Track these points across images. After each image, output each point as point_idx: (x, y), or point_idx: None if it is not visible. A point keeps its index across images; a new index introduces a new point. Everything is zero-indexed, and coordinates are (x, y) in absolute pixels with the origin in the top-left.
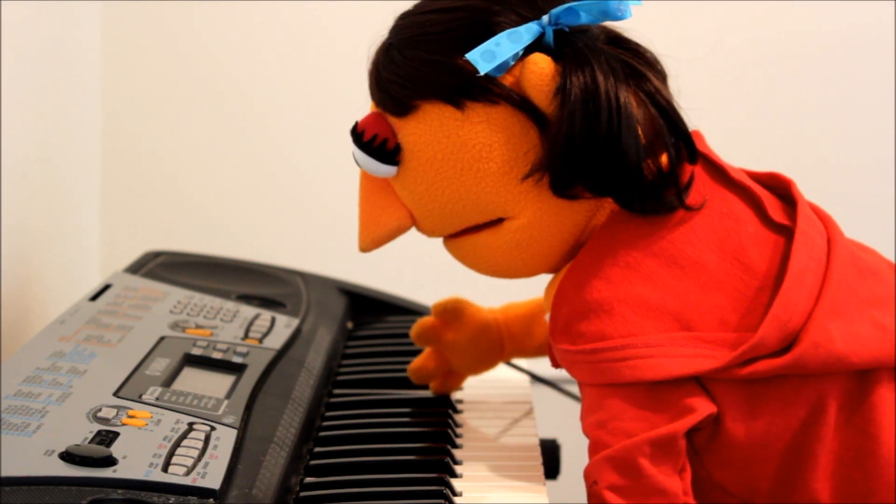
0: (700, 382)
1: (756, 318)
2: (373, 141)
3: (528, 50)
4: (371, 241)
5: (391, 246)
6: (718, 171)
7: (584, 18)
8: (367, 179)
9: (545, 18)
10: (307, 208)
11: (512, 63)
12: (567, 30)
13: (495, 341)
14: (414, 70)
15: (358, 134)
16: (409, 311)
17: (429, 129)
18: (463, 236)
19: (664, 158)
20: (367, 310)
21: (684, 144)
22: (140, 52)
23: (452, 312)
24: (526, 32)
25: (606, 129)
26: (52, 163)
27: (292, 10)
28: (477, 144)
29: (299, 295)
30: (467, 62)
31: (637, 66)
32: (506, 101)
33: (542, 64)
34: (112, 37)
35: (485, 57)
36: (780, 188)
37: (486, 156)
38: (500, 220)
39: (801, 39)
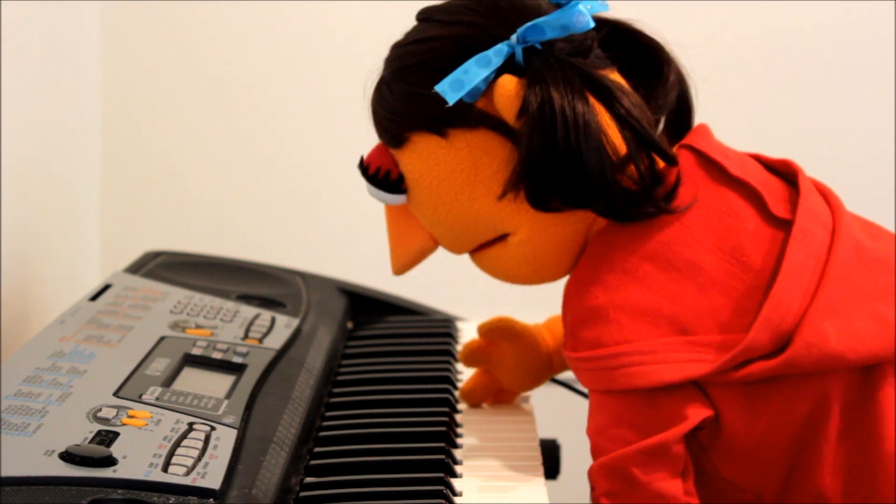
0: (699, 386)
1: (750, 318)
2: (377, 173)
3: (504, 69)
4: (402, 264)
5: None
6: (717, 169)
7: (549, 34)
8: (390, 207)
9: (513, 38)
10: (307, 208)
11: (483, 87)
12: (539, 46)
13: (543, 356)
14: (399, 104)
15: (364, 167)
16: (409, 311)
17: (420, 158)
18: (480, 251)
19: (637, 169)
20: (367, 310)
21: (657, 153)
22: (140, 52)
23: (498, 332)
24: (495, 55)
25: (564, 144)
26: (52, 163)
27: (292, 9)
28: (464, 169)
29: (299, 295)
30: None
31: (601, 78)
32: (482, 124)
33: (507, 85)
34: (112, 37)
35: (453, 87)
36: (792, 175)
37: (473, 179)
38: (505, 236)
39: (802, 34)
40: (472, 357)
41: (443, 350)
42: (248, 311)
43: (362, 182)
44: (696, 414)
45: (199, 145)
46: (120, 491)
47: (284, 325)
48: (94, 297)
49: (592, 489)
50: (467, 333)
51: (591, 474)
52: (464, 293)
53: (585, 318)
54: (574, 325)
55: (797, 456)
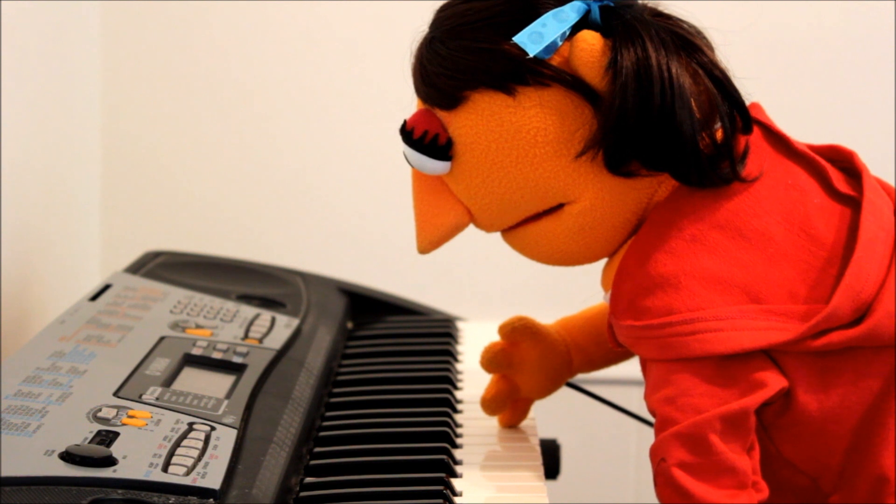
0: (770, 356)
1: (825, 289)
2: (423, 137)
3: (575, 28)
4: (429, 242)
5: (391, 246)
6: (781, 142)
7: None
8: (419, 179)
9: None
10: (307, 208)
11: (560, 43)
12: (612, 4)
13: (563, 356)
14: (460, 60)
15: (408, 132)
16: (409, 311)
17: (481, 119)
18: (523, 226)
19: (719, 130)
20: (367, 310)
21: (739, 115)
22: (140, 52)
23: (521, 332)
24: (571, 10)
25: (660, 103)
26: (52, 163)
27: (292, 9)
28: (532, 129)
29: (299, 295)
30: (514, 46)
31: (688, 37)
32: (557, 82)
33: (591, 41)
34: (112, 37)
35: (532, 39)
36: (842, 160)
37: (542, 140)
38: (560, 206)
39: (801, 34)
40: (494, 361)
41: (443, 350)
42: (248, 311)
43: (362, 182)
44: (775, 382)
45: (199, 145)
46: (120, 491)
47: (284, 325)
48: (94, 297)
49: (661, 461)
50: (467, 333)
51: (662, 445)
52: (464, 293)
53: (651, 286)
54: (636, 293)
55: (862, 434)
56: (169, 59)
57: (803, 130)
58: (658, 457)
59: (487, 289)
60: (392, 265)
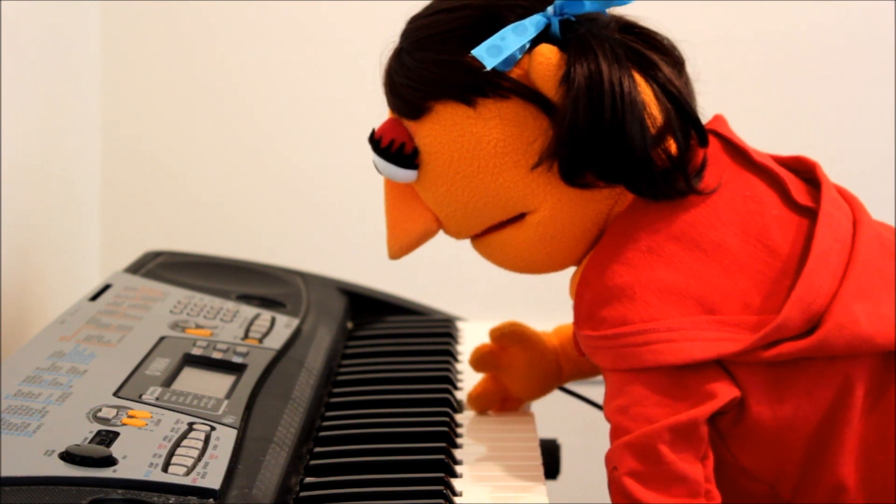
0: (724, 367)
1: (779, 301)
2: (390, 146)
3: (536, 41)
4: (399, 248)
5: None
6: (741, 154)
7: (588, 6)
8: (390, 187)
9: (550, 9)
10: (307, 208)
11: (519, 56)
12: (573, 19)
13: (552, 364)
14: (424, 72)
15: (376, 141)
16: (409, 311)
17: (443, 129)
18: (488, 234)
19: (674, 144)
20: (367, 310)
21: (694, 130)
22: (140, 52)
23: (510, 336)
24: (531, 25)
25: (610, 116)
26: (52, 163)
27: (292, 9)
28: (492, 140)
29: (299, 295)
30: (475, 59)
31: (645, 51)
32: (516, 94)
33: (547, 54)
34: (112, 37)
35: (490, 52)
36: (805, 171)
37: (501, 150)
38: (522, 215)
39: (801, 35)
40: (482, 361)
41: (443, 350)
42: (248, 311)
43: (362, 182)
44: (725, 393)
45: (199, 145)
46: (120, 491)
47: (284, 325)
48: (94, 297)
49: (613, 469)
50: (467, 333)
51: (614, 454)
52: (464, 293)
53: (608, 297)
54: (594, 304)
55: (818, 443)
56: (169, 58)
57: (802, 132)
58: (611, 465)
59: (487, 289)
60: (392, 265)
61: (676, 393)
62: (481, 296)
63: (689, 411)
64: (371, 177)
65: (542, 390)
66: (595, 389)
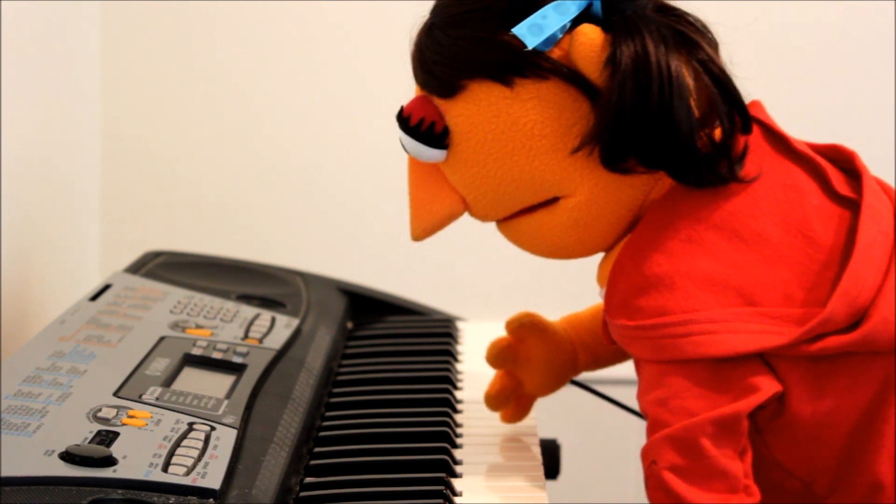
0: (764, 360)
1: (822, 293)
2: (420, 125)
3: (576, 21)
4: (423, 229)
5: (392, 246)
6: (781, 142)
7: None
8: (414, 166)
9: None
10: (307, 208)
11: (560, 36)
12: None
13: (569, 354)
14: (459, 49)
15: (404, 118)
16: (409, 311)
17: (478, 109)
18: (518, 218)
19: (717, 129)
20: (367, 310)
21: (738, 114)
22: (140, 52)
23: (528, 328)
24: (573, 3)
25: (658, 100)
26: (52, 163)
27: (292, 9)
28: (529, 122)
29: (299, 295)
30: (514, 38)
31: (689, 34)
32: (556, 75)
33: (591, 35)
34: (112, 37)
35: (532, 31)
36: (843, 160)
37: (539, 133)
38: (555, 199)
39: (800, 35)
40: (499, 357)
41: (443, 350)
42: (248, 311)
43: (362, 182)
44: (768, 387)
45: (199, 145)
46: (120, 491)
47: (284, 325)
48: (94, 297)
49: (651, 464)
50: (467, 333)
51: (653, 447)
52: (464, 293)
53: (645, 286)
54: (630, 292)
55: (856, 440)
56: (169, 58)
57: (804, 128)
58: (649, 459)
59: (487, 289)
60: (392, 265)
61: (718, 386)
62: (481, 296)
63: (732, 404)
64: (371, 177)
65: (558, 383)
66: (599, 386)
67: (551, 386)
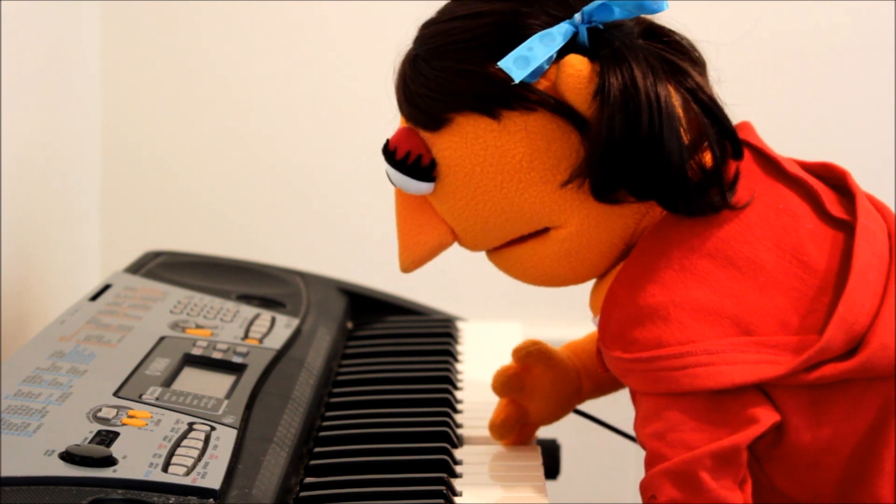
0: (762, 389)
1: (818, 319)
2: (406, 158)
3: (562, 51)
4: (412, 261)
5: (391, 246)
6: (772, 165)
7: (617, 14)
8: (402, 197)
9: (577, 17)
10: (307, 208)
11: (546, 67)
12: (601, 27)
13: (574, 382)
14: (445, 82)
15: (390, 152)
16: (409, 311)
17: (465, 142)
18: (508, 248)
19: (708, 157)
20: (367, 310)
21: (729, 141)
22: (140, 52)
23: (536, 356)
24: (559, 34)
25: (648, 130)
26: (52, 163)
27: (292, 9)
28: (517, 154)
29: (299, 295)
30: (500, 70)
31: (676, 61)
32: (543, 107)
33: (578, 66)
34: (112, 37)
35: (518, 63)
36: (834, 179)
37: (527, 165)
38: (546, 230)
39: (800, 35)
40: (506, 385)
41: (443, 350)
42: (248, 311)
43: (362, 182)
44: (767, 417)
45: (200, 145)
46: (120, 491)
47: (284, 325)
48: (94, 297)
49: (651, 498)
50: (467, 333)
51: (651, 482)
52: (464, 293)
53: (640, 317)
54: (625, 324)
55: (856, 465)
56: (168, 59)
57: (802, 136)
58: (648, 493)
59: (487, 289)
60: (392, 265)
61: (716, 418)
62: (481, 296)
63: (730, 437)
64: (371, 177)
65: (563, 411)
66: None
67: (557, 415)
